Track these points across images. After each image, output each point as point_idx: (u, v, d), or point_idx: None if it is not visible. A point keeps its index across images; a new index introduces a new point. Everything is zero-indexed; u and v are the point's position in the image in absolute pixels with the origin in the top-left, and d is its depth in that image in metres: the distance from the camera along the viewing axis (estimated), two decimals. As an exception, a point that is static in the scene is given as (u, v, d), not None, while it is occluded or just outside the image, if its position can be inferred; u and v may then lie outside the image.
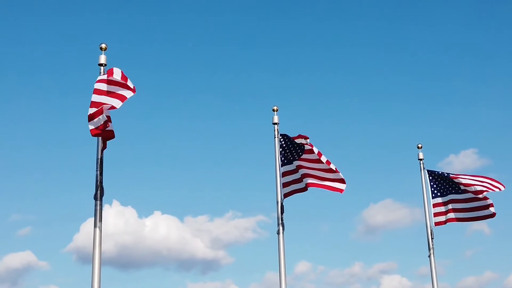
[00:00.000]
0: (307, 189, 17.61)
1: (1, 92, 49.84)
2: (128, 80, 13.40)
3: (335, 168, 17.19)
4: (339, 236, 49.68)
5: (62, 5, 53.04)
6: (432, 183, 20.64)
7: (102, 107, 12.95)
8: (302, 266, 46.12)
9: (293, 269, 44.49)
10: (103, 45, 14.39)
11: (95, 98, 13.21)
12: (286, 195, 17.38)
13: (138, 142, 49.54)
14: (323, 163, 17.19)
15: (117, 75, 13.35)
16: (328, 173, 17.34)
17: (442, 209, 20.34)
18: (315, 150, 17.19)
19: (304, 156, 17.36)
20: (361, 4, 56.08)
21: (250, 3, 55.73)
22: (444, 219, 20.34)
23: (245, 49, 54.87)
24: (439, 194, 20.42)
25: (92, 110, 13.01)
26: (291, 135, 17.52)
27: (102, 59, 14.28)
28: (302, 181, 17.54)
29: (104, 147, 13.48)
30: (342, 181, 17.33)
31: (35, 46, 51.78)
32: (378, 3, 55.82)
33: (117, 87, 13.39)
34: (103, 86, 13.38)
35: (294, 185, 17.55)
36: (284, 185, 17.47)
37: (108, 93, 13.30)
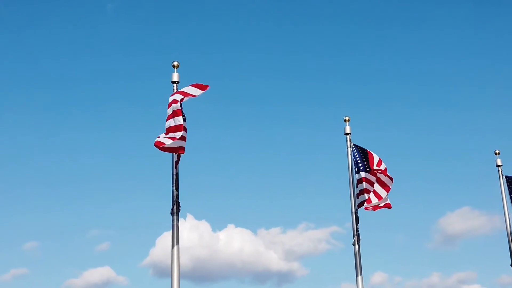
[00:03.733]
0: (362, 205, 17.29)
1: (78, 106, 51.29)
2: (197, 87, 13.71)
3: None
4: (415, 245, 48.74)
5: (136, 21, 54.38)
6: (511, 190, 20.08)
7: (176, 126, 13.18)
8: (378, 277, 45.45)
9: (369, 280, 43.89)
10: (176, 63, 14.64)
11: (170, 119, 13.51)
12: (359, 206, 17.20)
13: (210, 155, 50.10)
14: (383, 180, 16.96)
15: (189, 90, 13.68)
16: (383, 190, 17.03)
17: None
18: (383, 166, 16.94)
19: (373, 167, 17.09)
20: (434, 9, 55.15)
21: (324, 12, 55.65)
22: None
23: (316, 59, 54.78)
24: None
25: (168, 126, 13.30)
26: (363, 145, 17.39)
27: (175, 76, 14.53)
28: (360, 196, 17.23)
29: (178, 160, 13.74)
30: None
31: (113, 63, 53.16)
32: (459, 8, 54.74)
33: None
34: (176, 106, 13.59)
35: (362, 195, 17.35)
36: (357, 195, 17.31)
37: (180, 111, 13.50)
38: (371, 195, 16.88)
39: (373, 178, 17.00)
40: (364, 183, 17.03)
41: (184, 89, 13.87)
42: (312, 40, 55.25)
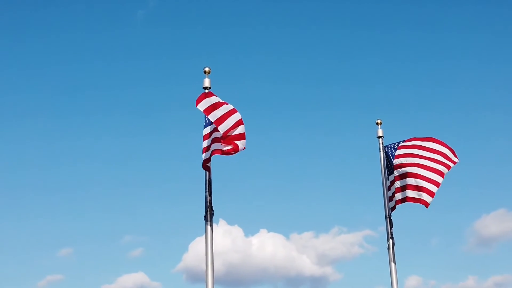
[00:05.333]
0: (400, 203, 16.97)
1: (111, 113, 51.76)
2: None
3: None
4: (450, 249, 48.16)
5: (171, 25, 54.77)
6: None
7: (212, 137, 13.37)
8: (412, 281, 44.98)
9: (403, 284, 43.43)
10: (207, 69, 14.70)
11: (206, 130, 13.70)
12: (392, 209, 17.05)
13: (241, 160, 50.19)
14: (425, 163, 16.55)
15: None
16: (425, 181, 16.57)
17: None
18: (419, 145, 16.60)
19: (400, 161, 16.78)
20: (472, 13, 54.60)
21: (354, 16, 55.47)
22: None
23: (346, 62, 54.59)
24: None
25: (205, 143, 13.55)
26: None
27: (206, 82, 14.59)
28: (393, 198, 17.01)
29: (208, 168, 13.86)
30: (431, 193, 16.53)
31: (144, 69, 53.63)
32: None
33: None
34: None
35: (396, 195, 17.15)
36: (390, 198, 17.18)
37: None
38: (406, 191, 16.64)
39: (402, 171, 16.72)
40: (396, 183, 16.89)
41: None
42: (343, 43, 55.09)
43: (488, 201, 48.77)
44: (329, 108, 53.42)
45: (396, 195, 16.83)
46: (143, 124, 52.14)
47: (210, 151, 13.56)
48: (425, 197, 16.33)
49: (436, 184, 16.32)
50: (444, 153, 16.59)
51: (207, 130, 13.90)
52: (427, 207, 16.38)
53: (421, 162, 16.59)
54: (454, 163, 16.53)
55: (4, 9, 50.92)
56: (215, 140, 13.64)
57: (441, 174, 16.35)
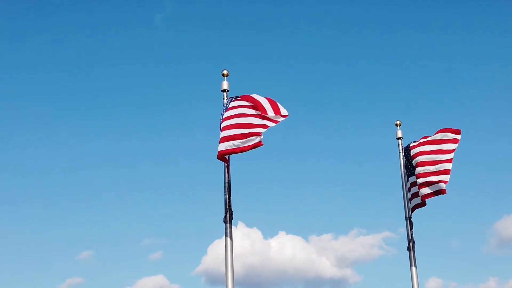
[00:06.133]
0: (425, 204, 16.78)
1: (130, 115, 52.03)
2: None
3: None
4: (470, 250, 47.78)
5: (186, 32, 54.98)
6: None
7: (232, 136, 13.25)
8: (433, 283, 44.66)
9: (424, 286, 43.15)
10: (225, 71, 14.72)
11: (225, 123, 13.55)
12: (413, 210, 16.95)
13: (259, 162, 50.18)
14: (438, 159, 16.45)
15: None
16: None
17: None
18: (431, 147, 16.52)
19: (420, 158, 16.64)
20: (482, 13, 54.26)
21: (374, 18, 55.30)
22: None
23: (366, 62, 54.42)
24: None
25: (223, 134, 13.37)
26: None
27: (225, 85, 14.61)
28: (419, 195, 16.84)
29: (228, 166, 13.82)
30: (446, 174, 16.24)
31: (162, 73, 53.88)
32: None
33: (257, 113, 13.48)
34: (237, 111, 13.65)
35: (415, 199, 17.07)
36: (410, 199, 17.07)
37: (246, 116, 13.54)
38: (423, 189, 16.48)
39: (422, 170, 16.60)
40: (416, 185, 16.79)
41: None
42: (360, 45, 54.95)
43: (509, 202, 48.32)
44: (349, 110, 53.31)
45: (416, 197, 16.82)
46: (161, 127, 52.38)
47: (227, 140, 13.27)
48: (439, 186, 16.07)
49: (447, 172, 16.22)
50: (447, 139, 16.47)
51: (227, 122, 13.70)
52: (444, 193, 16.06)
53: (428, 158, 16.51)
54: (457, 141, 16.42)
55: (22, 13, 51.42)
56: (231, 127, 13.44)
57: (449, 161, 16.23)
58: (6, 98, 49.85)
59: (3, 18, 50.19)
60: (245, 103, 13.69)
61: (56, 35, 52.37)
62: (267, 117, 13.26)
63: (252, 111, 13.45)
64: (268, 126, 13.21)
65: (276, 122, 13.29)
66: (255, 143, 13.06)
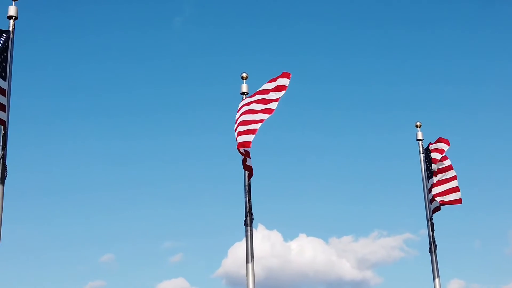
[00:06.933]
0: (440, 209, 17.01)
1: (159, 125, 52.32)
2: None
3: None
4: (492, 251, 47.35)
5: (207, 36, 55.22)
6: None
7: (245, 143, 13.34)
8: (455, 285, 44.32)
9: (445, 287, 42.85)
10: (244, 74, 14.76)
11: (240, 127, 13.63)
12: (433, 212, 16.92)
13: (278, 164, 50.17)
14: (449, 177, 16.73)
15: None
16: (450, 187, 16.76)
17: None
18: (447, 163, 16.71)
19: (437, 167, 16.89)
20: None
21: (394, 14, 55.10)
22: None
23: (386, 62, 54.17)
24: None
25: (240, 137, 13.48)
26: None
27: (244, 88, 14.63)
28: (434, 202, 16.96)
29: (250, 174, 13.77)
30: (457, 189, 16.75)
31: (182, 75, 54.12)
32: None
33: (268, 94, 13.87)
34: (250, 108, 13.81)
35: (435, 202, 17.07)
36: (431, 201, 17.03)
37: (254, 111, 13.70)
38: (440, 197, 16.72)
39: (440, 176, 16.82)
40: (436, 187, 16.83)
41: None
42: (383, 43, 54.75)
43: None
44: (369, 110, 53.09)
45: (436, 198, 16.80)
46: (181, 129, 52.58)
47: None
48: (455, 195, 16.58)
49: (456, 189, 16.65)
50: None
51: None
52: (460, 203, 16.54)
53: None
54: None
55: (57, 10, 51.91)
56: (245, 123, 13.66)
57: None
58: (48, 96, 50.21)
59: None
60: (253, 98, 13.94)
61: (74, 34, 52.80)
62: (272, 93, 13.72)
63: (261, 106, 13.72)
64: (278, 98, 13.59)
65: (283, 88, 13.73)
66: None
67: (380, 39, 53.89)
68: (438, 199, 16.53)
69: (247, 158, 13.41)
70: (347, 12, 54.47)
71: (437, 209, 16.81)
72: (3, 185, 11.13)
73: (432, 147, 16.95)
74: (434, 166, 16.67)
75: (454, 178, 16.70)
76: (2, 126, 11.39)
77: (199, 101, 51.88)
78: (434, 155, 16.67)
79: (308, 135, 51.40)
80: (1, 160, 11.23)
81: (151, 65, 52.90)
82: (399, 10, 54.27)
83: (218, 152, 47.09)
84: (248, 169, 13.56)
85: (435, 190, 16.61)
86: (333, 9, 54.74)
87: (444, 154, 16.68)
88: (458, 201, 16.57)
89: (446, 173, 16.76)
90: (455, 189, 16.56)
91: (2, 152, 11.28)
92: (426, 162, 17.24)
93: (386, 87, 52.70)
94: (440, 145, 16.79)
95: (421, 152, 17.49)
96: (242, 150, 13.08)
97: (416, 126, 17.78)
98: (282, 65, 52.04)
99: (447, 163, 16.85)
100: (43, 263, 42.50)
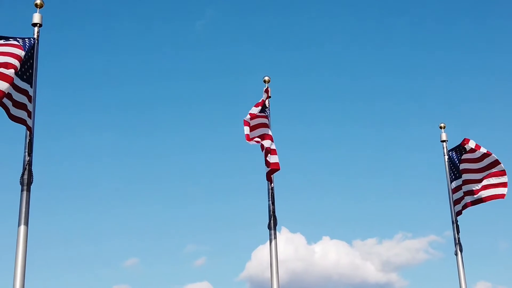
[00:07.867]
0: (466, 207, 16.94)
1: (174, 128, 52.59)
2: None
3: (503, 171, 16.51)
4: (519, 253, 46.80)
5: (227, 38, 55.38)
6: None
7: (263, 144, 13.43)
8: (481, 287, 43.92)
9: (472, 290, 42.46)
10: (266, 78, 14.86)
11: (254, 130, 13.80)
12: (457, 214, 16.81)
13: (302, 167, 50.13)
14: (485, 167, 16.56)
15: None
16: (491, 178, 16.59)
17: None
18: (479, 153, 16.54)
19: (465, 166, 16.76)
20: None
21: (415, 9, 54.87)
22: None
23: (410, 63, 53.94)
24: None
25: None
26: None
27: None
28: (463, 199, 16.86)
29: (276, 170, 13.84)
30: (504, 185, 16.48)
31: (203, 79, 54.37)
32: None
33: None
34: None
35: (460, 203, 16.94)
36: (455, 202, 16.92)
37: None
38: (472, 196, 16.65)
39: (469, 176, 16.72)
40: (461, 189, 16.75)
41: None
42: (407, 41, 54.53)
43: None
44: (393, 112, 52.84)
45: (465, 197, 16.75)
46: (207, 139, 52.70)
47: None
48: (499, 190, 16.48)
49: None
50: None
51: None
52: (503, 197, 16.47)
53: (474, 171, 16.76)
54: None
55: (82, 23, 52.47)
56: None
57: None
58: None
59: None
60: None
61: (97, 41, 53.26)
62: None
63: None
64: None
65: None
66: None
67: (404, 37, 53.65)
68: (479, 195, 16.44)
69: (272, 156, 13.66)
70: (369, 6, 54.34)
71: (459, 213, 16.73)
72: (29, 192, 11.18)
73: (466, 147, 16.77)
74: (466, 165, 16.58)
75: (498, 173, 16.51)
76: (29, 132, 11.51)
77: (221, 110, 51.96)
78: (467, 155, 16.60)
79: (330, 141, 51.31)
80: (27, 166, 11.31)
81: (171, 68, 53.15)
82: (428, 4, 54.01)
83: (241, 157, 47.22)
84: (275, 166, 13.68)
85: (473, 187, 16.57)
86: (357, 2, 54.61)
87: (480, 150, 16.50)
88: (501, 195, 16.49)
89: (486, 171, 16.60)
90: (499, 185, 16.43)
91: (28, 158, 11.37)
92: (450, 164, 17.16)
93: (411, 87, 52.39)
94: (471, 144, 16.63)
95: (445, 154, 17.41)
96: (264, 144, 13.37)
97: (440, 127, 17.70)
98: (304, 67, 52.03)
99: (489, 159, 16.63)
100: (68, 268, 42.87)
